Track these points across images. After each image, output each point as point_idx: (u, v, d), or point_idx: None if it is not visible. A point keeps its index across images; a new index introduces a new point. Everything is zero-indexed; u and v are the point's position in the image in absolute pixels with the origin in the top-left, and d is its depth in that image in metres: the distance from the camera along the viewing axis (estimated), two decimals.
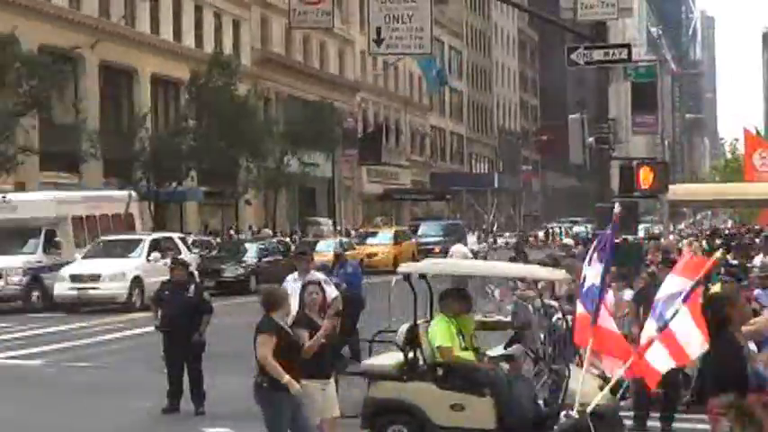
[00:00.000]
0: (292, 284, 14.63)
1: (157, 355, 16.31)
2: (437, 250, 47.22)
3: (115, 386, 18.53)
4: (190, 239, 41.82)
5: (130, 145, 48.70)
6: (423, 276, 13.29)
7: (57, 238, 33.69)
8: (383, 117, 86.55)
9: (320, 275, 15.35)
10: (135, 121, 50.95)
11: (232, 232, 57.95)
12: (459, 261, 22.59)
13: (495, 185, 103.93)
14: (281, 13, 58.28)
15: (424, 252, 47.54)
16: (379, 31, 26.07)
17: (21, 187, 41.23)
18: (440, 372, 12.67)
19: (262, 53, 68.06)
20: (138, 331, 25.24)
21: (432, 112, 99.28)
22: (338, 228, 65.94)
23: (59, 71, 42.12)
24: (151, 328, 17.23)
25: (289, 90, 69.68)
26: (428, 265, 15.14)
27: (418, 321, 12.89)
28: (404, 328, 13.09)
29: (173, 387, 15.89)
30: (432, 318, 13.34)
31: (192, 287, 16.28)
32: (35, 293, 32.64)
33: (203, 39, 62.14)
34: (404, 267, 13.76)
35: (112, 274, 32.02)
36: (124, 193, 39.11)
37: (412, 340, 12.77)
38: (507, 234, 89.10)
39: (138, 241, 34.34)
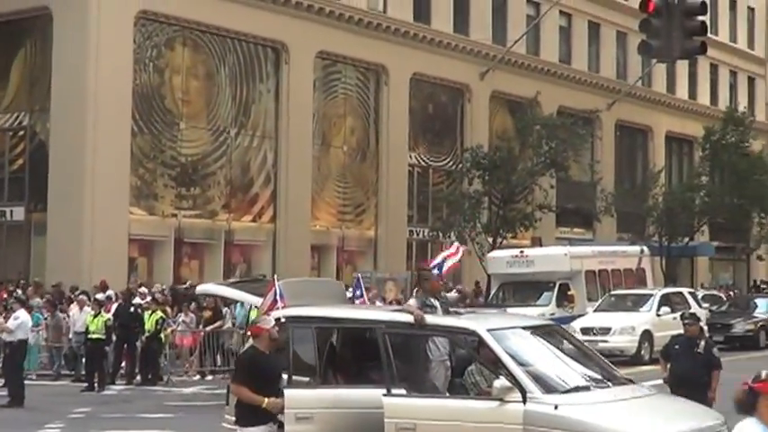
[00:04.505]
0: None
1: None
2: None
3: None
4: (700, 294, 41.95)
5: (644, 201, 49.83)
6: None
7: (570, 292, 34.83)
8: None
9: None
10: (649, 178, 52.15)
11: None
12: None
13: None
14: None
15: None
16: None
17: (537, 242, 43.52)
18: None
19: None
20: (645, 384, 25.93)
21: None
22: None
23: (577, 133, 44.09)
24: (659, 382, 17.76)
25: None
26: None
27: None
28: None
29: None
30: None
31: (702, 343, 16.41)
32: None
33: (718, 96, 62.26)
34: None
35: (622, 328, 32.74)
36: (636, 248, 39.71)
37: None
38: None
39: (649, 296, 34.87)
